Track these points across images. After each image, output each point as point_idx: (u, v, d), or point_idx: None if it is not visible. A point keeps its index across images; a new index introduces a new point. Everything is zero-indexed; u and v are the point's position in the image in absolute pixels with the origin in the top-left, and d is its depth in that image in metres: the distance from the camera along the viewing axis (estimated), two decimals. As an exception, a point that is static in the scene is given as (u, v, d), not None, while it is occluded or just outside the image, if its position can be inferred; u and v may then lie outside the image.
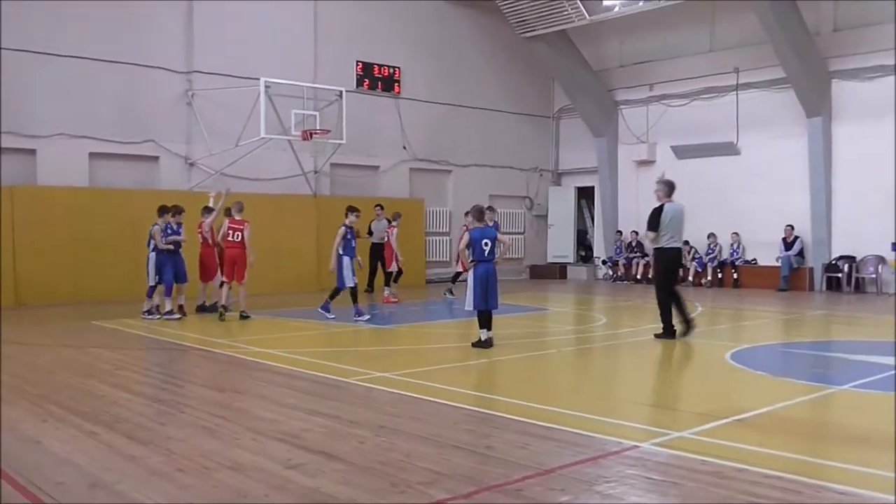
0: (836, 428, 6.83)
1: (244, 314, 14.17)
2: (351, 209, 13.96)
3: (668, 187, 11.78)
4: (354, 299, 13.85)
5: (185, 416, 6.90)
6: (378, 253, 18.78)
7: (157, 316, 13.93)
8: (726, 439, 5.98)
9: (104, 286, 17.27)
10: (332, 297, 14.18)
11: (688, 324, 11.55)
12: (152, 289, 14.02)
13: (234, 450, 5.78)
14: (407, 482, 5.03)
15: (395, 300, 17.53)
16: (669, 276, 11.82)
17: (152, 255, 13.95)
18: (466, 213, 11.10)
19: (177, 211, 14.22)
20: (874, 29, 19.68)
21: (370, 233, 18.71)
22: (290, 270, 19.71)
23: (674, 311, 11.52)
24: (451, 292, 17.96)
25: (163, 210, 14.11)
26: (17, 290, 16.31)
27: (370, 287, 19.10)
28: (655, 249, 11.84)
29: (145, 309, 14.09)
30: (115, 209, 17.60)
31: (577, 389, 8.56)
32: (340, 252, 13.62)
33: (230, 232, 14.08)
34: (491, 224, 16.50)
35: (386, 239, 18.27)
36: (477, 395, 7.95)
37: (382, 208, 18.96)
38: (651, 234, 11.65)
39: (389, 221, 18.23)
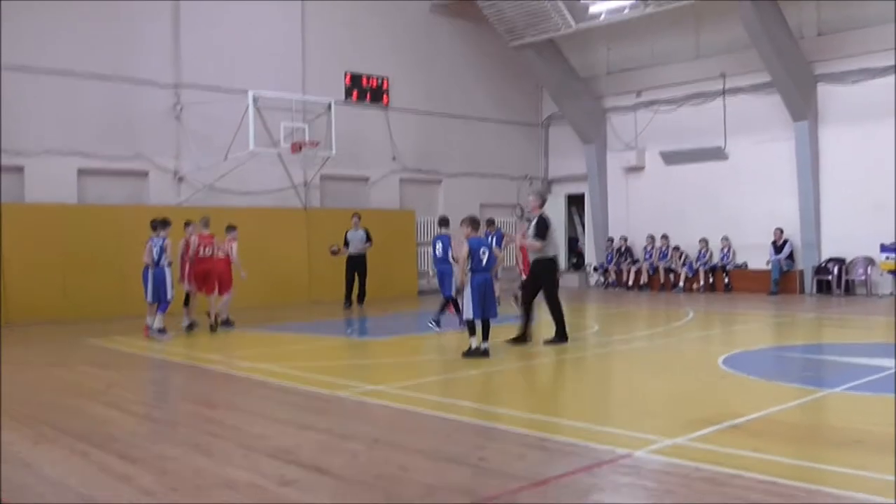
0: (830, 431, 6.84)
1: (227, 322, 14.61)
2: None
3: (543, 198, 12.38)
4: (457, 309, 13.70)
5: (177, 434, 6.87)
6: (356, 265, 18.67)
7: (168, 334, 13.45)
8: (720, 445, 5.98)
9: (94, 303, 17.17)
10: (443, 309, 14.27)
11: (524, 337, 11.85)
12: (167, 305, 13.56)
13: (227, 468, 5.75)
14: (402, 496, 5.02)
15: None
16: (554, 285, 12.10)
17: (167, 269, 13.43)
18: (462, 223, 11.07)
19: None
20: (858, 33, 19.80)
21: (346, 244, 18.63)
22: (280, 283, 19.67)
23: (521, 320, 11.99)
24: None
25: (165, 223, 13.64)
26: (6, 309, 16.19)
27: (348, 301, 18.87)
28: (542, 260, 11.86)
29: (160, 327, 13.46)
30: (104, 225, 17.55)
31: (571, 398, 8.55)
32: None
33: (201, 247, 14.00)
34: (493, 233, 16.51)
35: (354, 251, 18.42)
36: (470, 406, 7.94)
37: (360, 218, 18.90)
38: (539, 244, 11.75)
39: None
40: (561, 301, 12.04)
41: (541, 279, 11.95)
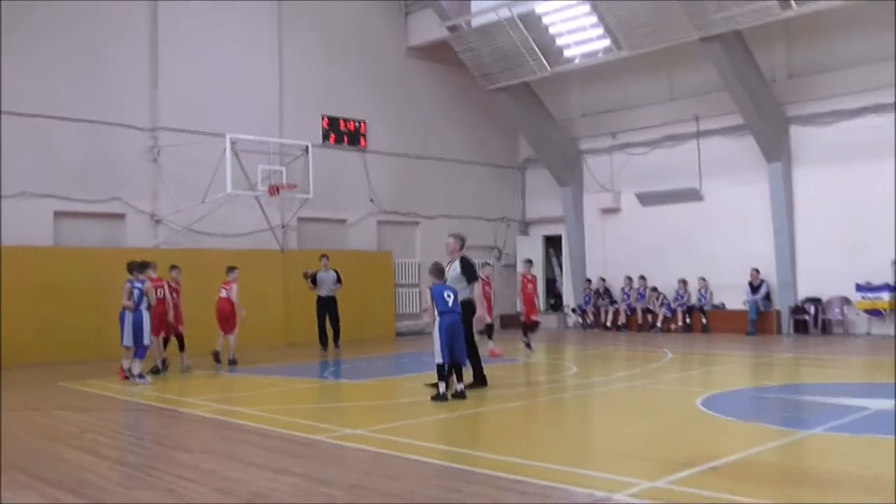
0: (809, 472, 6.83)
1: (232, 361, 15.44)
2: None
3: (462, 240, 11.91)
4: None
5: (151, 479, 6.77)
6: (326, 306, 18.61)
7: (147, 379, 13.30)
8: (700, 487, 5.95)
9: (70, 346, 16.99)
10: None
11: (482, 381, 11.69)
12: (145, 349, 13.43)
13: (203, 513, 5.66)
14: (379, 542, 4.95)
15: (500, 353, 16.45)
16: (471, 327, 11.70)
17: (145, 313, 13.30)
18: (428, 273, 11.26)
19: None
20: (828, 76, 20.18)
21: (315, 284, 18.53)
22: (257, 325, 19.49)
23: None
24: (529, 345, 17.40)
25: (145, 266, 13.63)
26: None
27: (324, 345, 18.61)
28: (465, 302, 11.22)
29: (137, 372, 13.27)
30: (80, 268, 17.43)
31: (549, 440, 8.51)
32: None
33: (155, 289, 13.93)
34: (485, 278, 16.48)
35: (325, 292, 18.48)
36: (448, 449, 7.88)
37: (328, 258, 18.85)
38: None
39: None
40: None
41: (466, 321, 11.31)
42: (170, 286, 14.60)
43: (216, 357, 15.43)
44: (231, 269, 15.76)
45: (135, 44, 19.16)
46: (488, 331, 16.73)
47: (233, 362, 15.50)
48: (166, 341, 14.78)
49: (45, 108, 17.75)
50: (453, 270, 11.47)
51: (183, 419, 10.10)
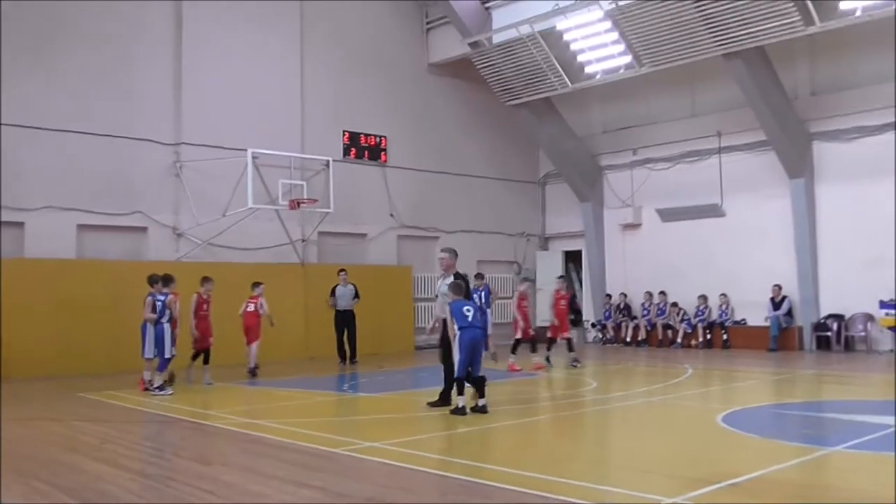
0: (830, 491, 6.76)
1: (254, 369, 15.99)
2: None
3: (456, 254, 11.66)
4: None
5: (170, 491, 6.79)
6: (345, 321, 18.69)
7: (168, 390, 13.37)
8: (720, 504, 5.92)
9: (90, 358, 17.09)
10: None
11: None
12: (166, 362, 13.55)
13: (221, 525, 5.67)
14: (397, 555, 4.94)
15: (519, 369, 16.41)
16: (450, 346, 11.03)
17: (167, 326, 13.46)
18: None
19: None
20: (851, 93, 20.08)
21: (333, 295, 18.74)
22: (278, 339, 19.52)
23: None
24: (577, 361, 17.40)
25: (168, 279, 13.67)
26: (2, 364, 16.08)
27: (342, 358, 18.79)
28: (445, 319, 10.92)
29: (158, 384, 13.36)
30: (102, 280, 17.55)
31: (569, 456, 8.47)
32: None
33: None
34: (481, 288, 16.54)
35: (343, 307, 18.73)
36: (467, 463, 7.86)
37: (346, 273, 18.94)
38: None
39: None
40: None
41: (443, 340, 11.09)
42: (201, 298, 14.77)
43: (253, 372, 15.89)
44: (257, 284, 16.20)
45: (159, 60, 19.36)
46: (514, 346, 16.88)
47: (253, 373, 15.76)
48: (196, 355, 14.84)
49: (70, 122, 17.96)
50: (443, 286, 11.23)
51: (203, 431, 10.13)
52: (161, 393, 13.15)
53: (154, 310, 13.30)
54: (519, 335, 16.90)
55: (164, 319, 13.38)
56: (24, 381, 15.63)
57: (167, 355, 13.41)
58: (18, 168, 17.22)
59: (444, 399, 11.08)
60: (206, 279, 15.07)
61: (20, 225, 17.33)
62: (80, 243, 18.16)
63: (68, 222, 17.94)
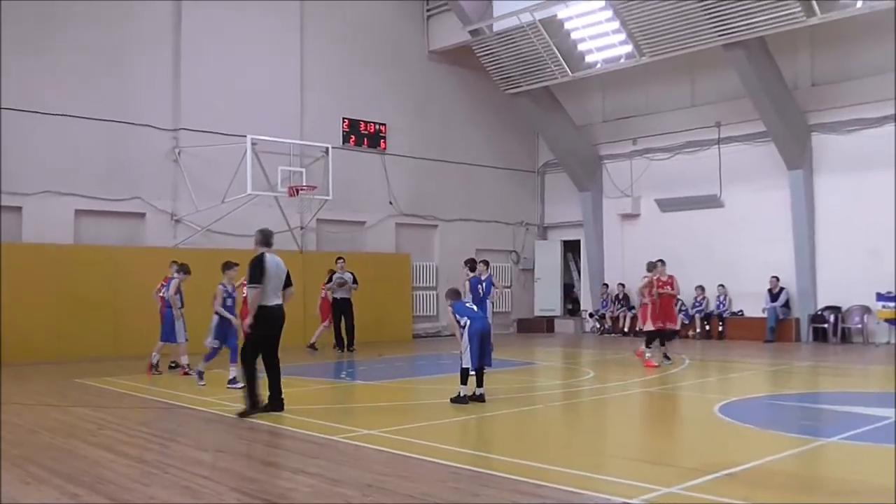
0: (826, 481, 6.78)
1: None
2: None
3: (263, 235, 10.41)
4: None
5: (168, 477, 6.80)
6: (342, 308, 18.72)
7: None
8: (716, 494, 5.93)
9: (88, 344, 17.10)
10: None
11: (254, 403, 9.86)
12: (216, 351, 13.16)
13: (219, 511, 5.68)
14: (394, 542, 4.95)
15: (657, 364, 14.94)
16: (264, 339, 10.13)
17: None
18: (446, 297, 11.32)
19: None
20: (851, 84, 20.06)
21: (331, 281, 18.69)
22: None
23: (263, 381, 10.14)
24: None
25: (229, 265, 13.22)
26: (0, 349, 16.07)
27: (340, 346, 18.79)
28: (259, 308, 9.95)
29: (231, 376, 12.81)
30: (100, 266, 17.54)
31: (566, 445, 8.49)
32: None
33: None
34: (484, 278, 16.49)
35: (340, 294, 18.62)
36: (465, 451, 7.88)
37: (344, 261, 18.97)
38: (257, 289, 9.91)
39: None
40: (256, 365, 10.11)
41: (262, 330, 10.01)
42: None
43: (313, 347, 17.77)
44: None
45: (158, 45, 19.30)
46: (661, 336, 15.34)
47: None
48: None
49: (69, 107, 17.92)
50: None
51: (200, 418, 10.13)
52: (202, 383, 12.92)
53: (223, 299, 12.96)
54: (652, 325, 15.17)
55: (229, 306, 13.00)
56: (21, 367, 15.62)
57: (232, 344, 12.88)
58: (16, 152, 17.16)
59: (252, 403, 9.88)
60: (231, 265, 14.33)
61: (18, 210, 17.31)
62: (79, 229, 18.15)
63: (66, 207, 17.91)
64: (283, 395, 10.15)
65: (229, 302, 12.98)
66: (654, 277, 15.34)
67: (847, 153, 20.10)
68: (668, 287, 15.34)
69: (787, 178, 20.86)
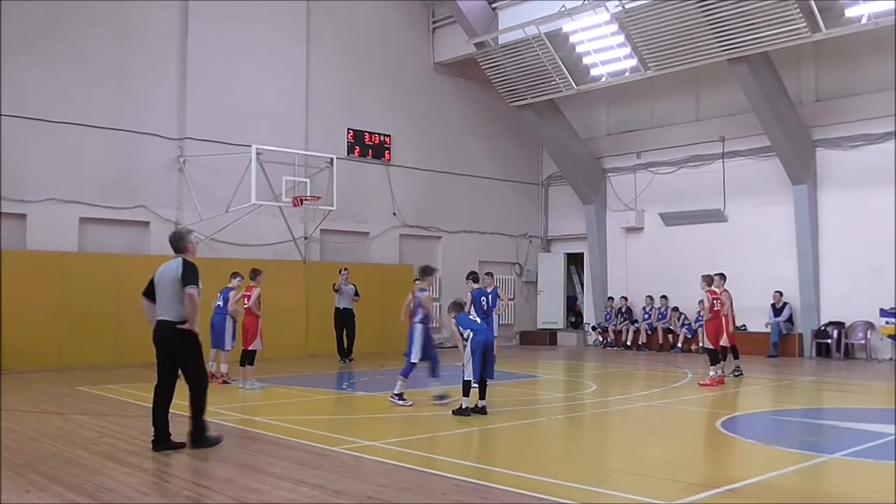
0: (828, 497, 6.76)
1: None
2: None
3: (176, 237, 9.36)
4: None
5: (169, 486, 6.80)
6: (343, 319, 18.83)
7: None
8: (718, 510, 5.91)
9: (90, 351, 17.12)
10: None
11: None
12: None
13: (219, 521, 5.67)
14: (394, 554, 4.94)
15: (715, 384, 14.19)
16: (196, 356, 8.84)
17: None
18: (448, 311, 11.38)
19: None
20: (855, 99, 20.06)
21: (337, 290, 18.88)
22: (278, 336, 19.52)
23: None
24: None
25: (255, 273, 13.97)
26: (2, 356, 16.07)
27: (342, 356, 18.93)
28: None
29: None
30: (104, 274, 17.56)
31: (568, 458, 8.47)
32: None
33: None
34: (490, 290, 16.41)
35: (342, 305, 18.76)
36: (466, 464, 7.86)
37: (348, 272, 19.08)
38: (195, 290, 8.80)
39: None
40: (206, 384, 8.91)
41: (181, 346, 8.62)
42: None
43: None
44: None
45: (164, 55, 19.36)
46: (723, 354, 15.00)
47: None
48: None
49: (74, 115, 17.96)
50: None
51: (202, 427, 10.10)
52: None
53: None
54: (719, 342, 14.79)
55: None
56: (23, 374, 15.63)
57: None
58: (21, 159, 17.21)
59: (196, 433, 8.61)
60: (256, 272, 14.32)
61: (22, 217, 17.33)
62: (83, 236, 18.17)
63: (71, 215, 17.94)
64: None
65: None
66: (712, 290, 15.05)
67: (851, 168, 20.09)
68: (717, 302, 15.03)
69: (791, 192, 20.85)
